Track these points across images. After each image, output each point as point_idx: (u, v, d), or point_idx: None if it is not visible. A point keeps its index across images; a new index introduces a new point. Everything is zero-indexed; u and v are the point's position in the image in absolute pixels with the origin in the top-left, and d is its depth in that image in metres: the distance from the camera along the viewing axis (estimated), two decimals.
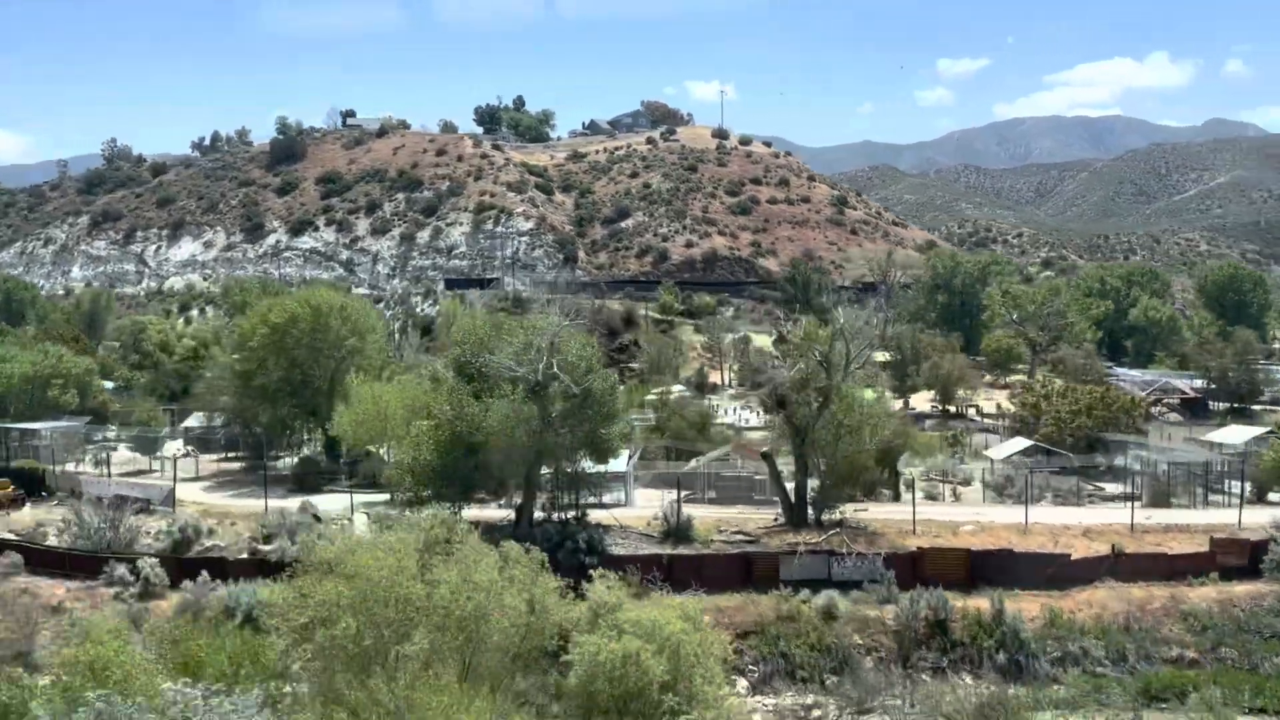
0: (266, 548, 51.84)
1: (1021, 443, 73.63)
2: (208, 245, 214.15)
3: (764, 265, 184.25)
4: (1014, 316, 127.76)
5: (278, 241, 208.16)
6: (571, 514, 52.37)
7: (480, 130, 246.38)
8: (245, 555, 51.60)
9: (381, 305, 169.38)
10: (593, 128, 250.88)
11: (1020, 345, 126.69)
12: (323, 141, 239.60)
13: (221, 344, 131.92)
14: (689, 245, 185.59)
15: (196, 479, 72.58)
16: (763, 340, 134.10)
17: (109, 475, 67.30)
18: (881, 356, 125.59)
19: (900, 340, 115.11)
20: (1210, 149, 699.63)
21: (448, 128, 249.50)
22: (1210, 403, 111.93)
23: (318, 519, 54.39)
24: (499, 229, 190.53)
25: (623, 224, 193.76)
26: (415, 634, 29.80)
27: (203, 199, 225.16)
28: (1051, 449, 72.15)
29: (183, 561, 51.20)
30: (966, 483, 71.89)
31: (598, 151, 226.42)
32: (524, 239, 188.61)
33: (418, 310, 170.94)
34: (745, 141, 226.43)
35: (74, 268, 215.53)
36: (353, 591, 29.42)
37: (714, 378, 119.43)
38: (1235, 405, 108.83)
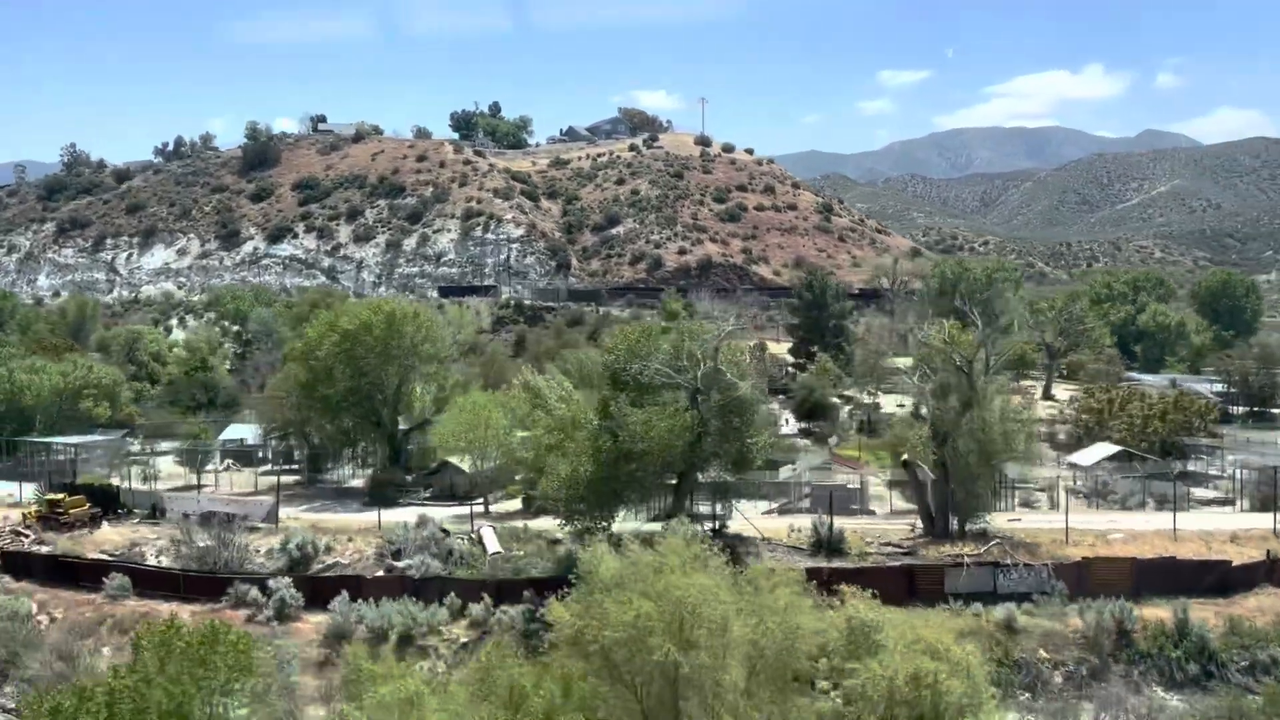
0: (401, 564, 49.14)
1: (1106, 448, 72.79)
2: (181, 253, 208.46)
3: (757, 272, 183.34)
4: (1034, 322, 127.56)
5: (255, 249, 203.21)
6: (711, 525, 50.50)
7: (457, 136, 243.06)
8: (381, 573, 48.85)
9: None
10: (571, 134, 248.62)
11: (1034, 351, 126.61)
12: (297, 147, 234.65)
13: (217, 354, 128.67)
14: (682, 252, 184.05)
15: (255, 494, 69.42)
16: (777, 348, 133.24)
17: (198, 491, 64.09)
18: (905, 361, 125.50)
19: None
20: (1150, 159, 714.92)
21: (421, 134, 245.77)
22: (1229, 407, 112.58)
23: (445, 533, 51.84)
24: (489, 236, 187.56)
25: (613, 231, 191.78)
26: (730, 661, 27.86)
27: (174, 205, 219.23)
28: (1137, 454, 71.47)
29: (314, 580, 48.40)
30: (1047, 489, 70.97)
31: (581, 158, 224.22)
32: (514, 246, 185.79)
33: None
34: (728, 149, 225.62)
35: (40, 276, 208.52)
36: (663, 613, 27.39)
37: None
38: (1256, 409, 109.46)
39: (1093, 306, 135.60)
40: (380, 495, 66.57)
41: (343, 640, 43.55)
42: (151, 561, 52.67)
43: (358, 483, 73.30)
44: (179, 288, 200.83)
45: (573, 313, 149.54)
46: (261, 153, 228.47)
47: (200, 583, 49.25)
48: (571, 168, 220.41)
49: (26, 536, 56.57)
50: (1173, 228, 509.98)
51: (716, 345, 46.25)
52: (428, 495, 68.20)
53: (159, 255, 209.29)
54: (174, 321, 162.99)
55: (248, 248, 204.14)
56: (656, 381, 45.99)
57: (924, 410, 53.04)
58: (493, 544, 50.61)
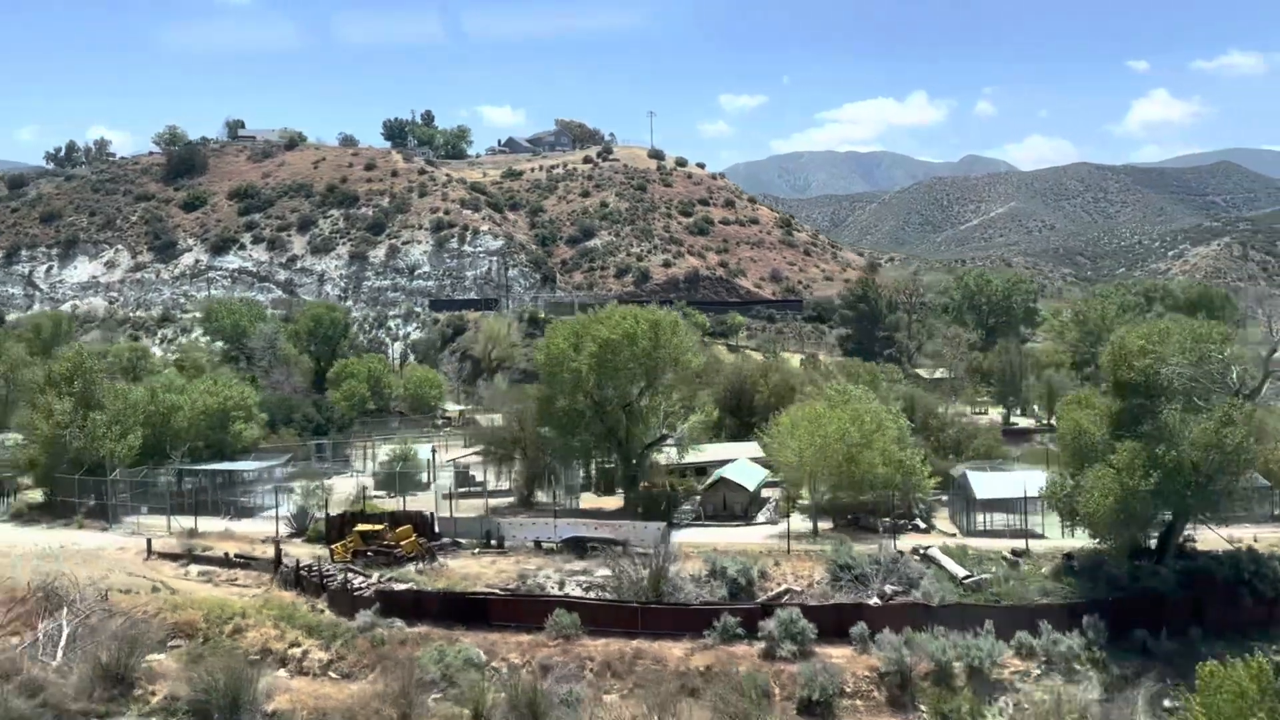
0: (889, 589, 44.27)
1: None
2: (110, 265, 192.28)
3: (741, 285, 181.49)
4: (1068, 333, 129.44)
5: (196, 261, 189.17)
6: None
7: (389, 145, 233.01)
8: (876, 600, 43.78)
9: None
10: (512, 145, 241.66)
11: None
12: (223, 154, 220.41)
13: (218, 369, 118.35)
14: (666, 265, 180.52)
15: (485, 515, 62.51)
16: (827, 359, 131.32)
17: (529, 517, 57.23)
18: (941, 373, 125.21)
19: (1007, 355, 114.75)
20: (985, 183, 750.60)
21: (348, 141, 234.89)
22: None
23: (928, 558, 47.14)
24: (466, 248, 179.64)
25: (589, 243, 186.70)
26: None
27: (95, 215, 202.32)
28: None
29: (822, 610, 43.01)
30: None
31: (533, 169, 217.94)
32: (494, 258, 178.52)
33: (403, 332, 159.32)
34: (681, 163, 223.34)
35: None
36: None
37: None
38: None
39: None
40: (653, 513, 61.06)
41: (907, 676, 38.74)
42: (577, 592, 46.21)
43: (581, 503, 66.97)
44: (110, 302, 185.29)
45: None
46: (187, 159, 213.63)
47: (687, 616, 43.23)
48: (526, 179, 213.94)
49: (363, 574, 49.09)
50: (1020, 246, 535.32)
51: (1275, 348, 43.24)
52: (696, 514, 62.93)
53: (84, 268, 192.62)
54: (158, 338, 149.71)
55: (187, 260, 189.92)
56: (1178, 385, 42.65)
57: None
58: (953, 566, 46.39)
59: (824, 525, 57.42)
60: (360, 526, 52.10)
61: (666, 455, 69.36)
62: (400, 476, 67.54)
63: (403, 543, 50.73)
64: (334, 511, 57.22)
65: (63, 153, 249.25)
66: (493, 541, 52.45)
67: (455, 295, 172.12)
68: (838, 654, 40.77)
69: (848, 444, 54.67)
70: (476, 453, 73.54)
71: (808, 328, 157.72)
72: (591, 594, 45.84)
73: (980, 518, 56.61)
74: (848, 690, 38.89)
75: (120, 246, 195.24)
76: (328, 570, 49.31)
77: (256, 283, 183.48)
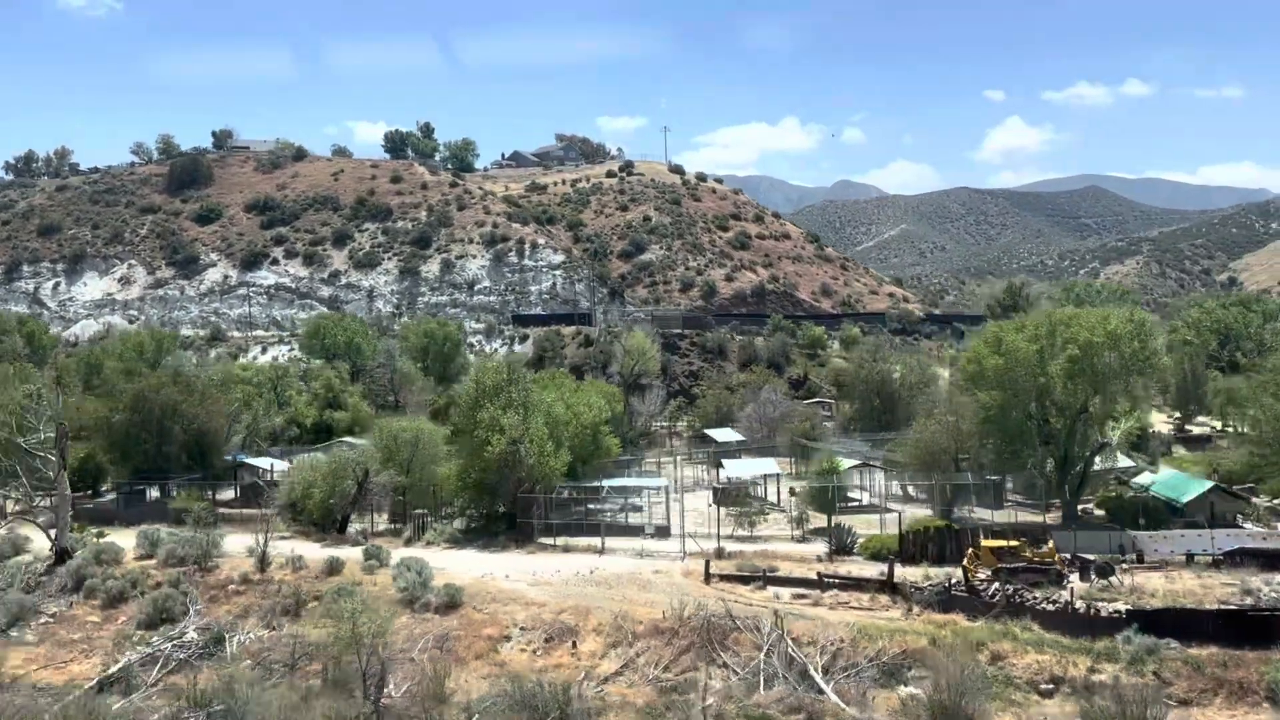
0: None
1: None
2: (124, 282, 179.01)
3: (803, 299, 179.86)
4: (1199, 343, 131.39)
5: (225, 276, 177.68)
6: None
7: (389, 156, 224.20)
8: None
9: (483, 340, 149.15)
10: (517, 159, 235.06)
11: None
12: (225, 164, 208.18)
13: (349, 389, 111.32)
14: (729, 279, 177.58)
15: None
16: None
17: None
18: None
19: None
20: (874, 206, 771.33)
21: (340, 153, 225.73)
22: None
23: None
24: (527, 262, 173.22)
25: (643, 257, 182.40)
26: None
27: (99, 228, 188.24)
28: None
29: None
30: None
31: (557, 183, 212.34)
32: (557, 273, 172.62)
33: (489, 348, 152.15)
34: (701, 178, 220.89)
35: None
36: None
37: None
38: None
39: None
40: (1121, 522, 58.36)
41: None
42: None
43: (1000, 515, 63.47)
44: (130, 321, 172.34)
45: (775, 342, 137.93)
46: (190, 170, 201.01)
47: None
48: (552, 193, 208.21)
49: (1028, 593, 44.87)
50: (921, 267, 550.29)
51: None
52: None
53: (95, 285, 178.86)
54: (250, 354, 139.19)
55: (214, 275, 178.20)
56: None
57: None
58: None
59: None
60: (986, 543, 47.81)
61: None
62: (834, 491, 62.72)
63: (1054, 559, 46.66)
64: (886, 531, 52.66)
65: (19, 162, 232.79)
66: (1128, 556, 48.67)
67: (520, 310, 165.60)
68: None
69: None
70: (859, 465, 69.48)
71: (896, 340, 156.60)
72: None
73: None
74: None
75: (133, 261, 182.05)
76: (991, 588, 44.96)
77: (297, 299, 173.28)
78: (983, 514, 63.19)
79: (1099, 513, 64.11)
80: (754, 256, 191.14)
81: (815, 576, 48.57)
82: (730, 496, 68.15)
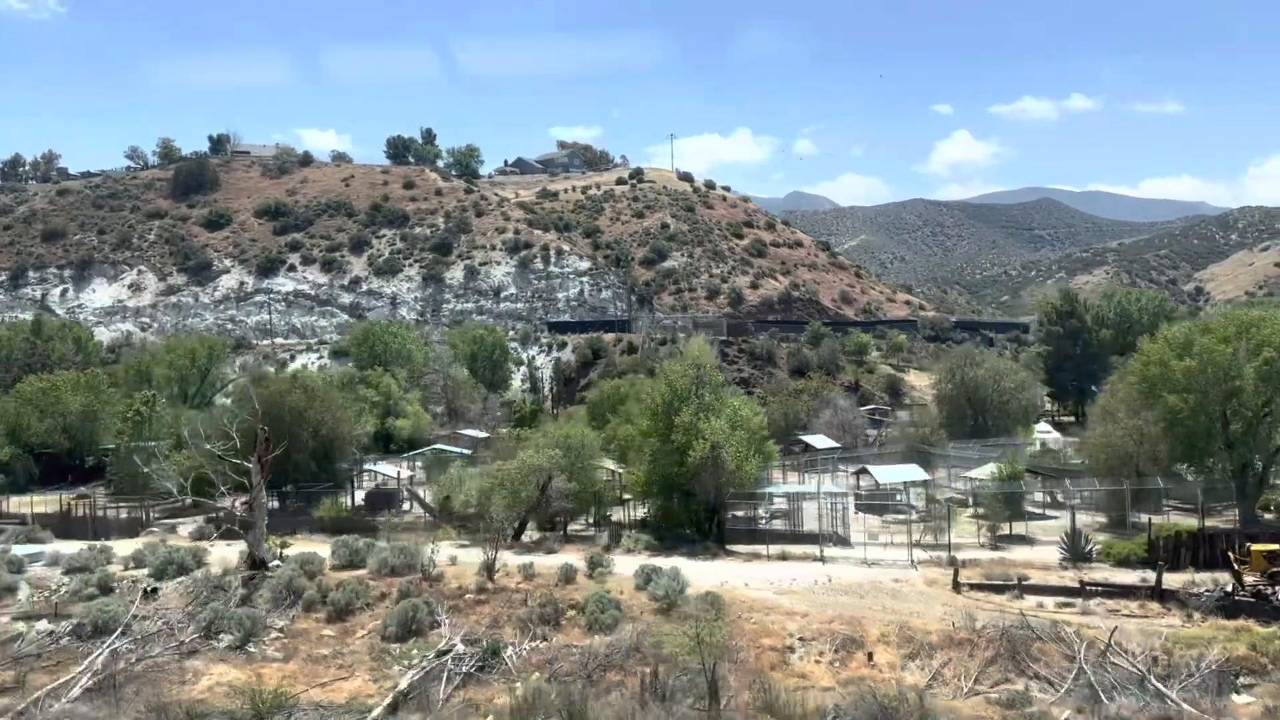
0: None
1: None
2: (135, 288, 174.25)
3: (827, 306, 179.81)
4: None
5: (241, 283, 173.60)
6: None
7: (390, 162, 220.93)
8: None
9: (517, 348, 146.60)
10: (521, 165, 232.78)
11: None
12: (230, 169, 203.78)
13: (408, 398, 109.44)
14: (754, 286, 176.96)
15: None
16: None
17: None
18: None
19: None
20: (832, 216, 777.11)
21: (340, 159, 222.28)
22: None
23: None
24: (553, 269, 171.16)
25: (665, 264, 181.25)
26: None
27: (105, 233, 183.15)
28: None
29: None
30: None
31: (567, 191, 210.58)
32: (584, 279, 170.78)
33: (526, 355, 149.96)
34: (710, 186, 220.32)
35: None
36: None
37: None
38: None
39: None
40: None
41: None
42: None
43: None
44: (143, 329, 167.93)
45: (825, 349, 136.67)
46: (196, 174, 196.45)
47: None
48: (565, 199, 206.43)
49: None
50: (885, 277, 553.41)
51: None
52: None
53: (104, 291, 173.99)
54: (298, 363, 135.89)
55: (228, 282, 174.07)
56: None
57: None
58: None
59: None
60: (1256, 547, 46.98)
61: None
62: (1013, 498, 61.78)
63: None
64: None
65: (5, 165, 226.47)
66: None
67: (548, 317, 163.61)
68: None
69: None
70: (1051, 471, 68.66)
71: (930, 347, 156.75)
72: None
73: None
74: None
75: (143, 267, 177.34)
76: (1275, 592, 44.20)
77: (317, 306, 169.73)
78: (1149, 518, 62.65)
79: (1267, 516, 63.87)
80: (771, 264, 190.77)
81: (1077, 584, 47.44)
82: (879, 503, 67.22)
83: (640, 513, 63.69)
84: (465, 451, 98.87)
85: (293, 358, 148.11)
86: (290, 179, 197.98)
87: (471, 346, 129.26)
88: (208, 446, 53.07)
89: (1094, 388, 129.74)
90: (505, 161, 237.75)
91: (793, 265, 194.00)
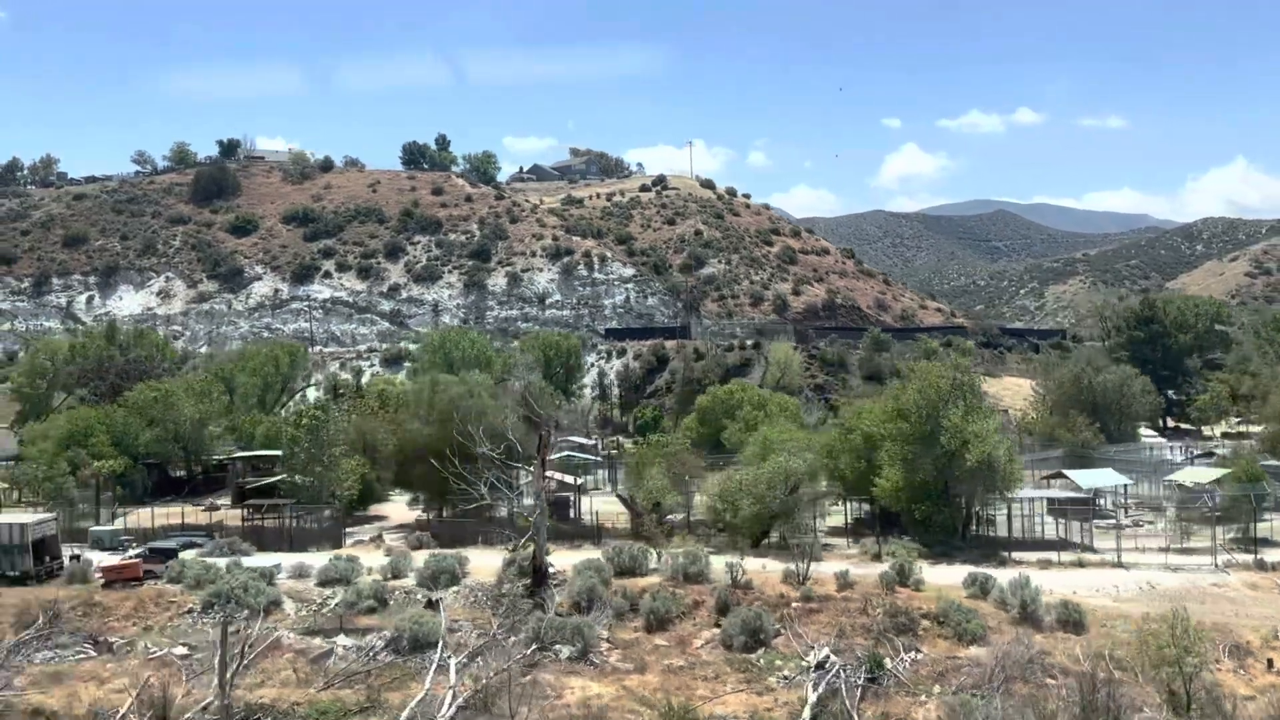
0: None
1: None
2: (164, 295, 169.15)
3: (867, 313, 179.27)
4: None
5: (275, 290, 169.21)
6: None
7: (403, 167, 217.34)
8: None
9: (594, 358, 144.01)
10: (537, 172, 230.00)
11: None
12: (250, 174, 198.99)
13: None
14: (796, 293, 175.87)
15: None
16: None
17: None
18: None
19: None
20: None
21: (352, 163, 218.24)
22: None
23: None
24: (598, 275, 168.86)
25: (704, 271, 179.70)
26: None
27: (129, 239, 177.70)
28: None
29: None
30: None
31: (591, 198, 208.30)
32: (629, 286, 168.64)
33: (585, 361, 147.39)
34: (732, 192, 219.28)
35: None
36: None
37: None
38: None
39: None
40: None
41: None
42: None
43: None
44: (175, 337, 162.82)
45: (894, 355, 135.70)
46: (217, 180, 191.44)
47: None
48: (590, 206, 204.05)
49: None
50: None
51: None
52: None
53: (131, 298, 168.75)
54: (364, 371, 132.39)
55: (261, 289, 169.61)
56: None
57: None
58: None
59: None
60: None
61: None
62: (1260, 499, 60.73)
63: None
64: None
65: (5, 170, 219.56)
66: None
67: (595, 325, 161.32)
68: None
69: None
70: None
71: (986, 353, 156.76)
72: None
73: None
74: None
75: (170, 274, 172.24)
76: None
77: (355, 313, 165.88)
78: None
79: None
80: (804, 270, 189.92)
81: None
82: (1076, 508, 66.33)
83: (834, 520, 63.37)
84: (596, 458, 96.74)
85: (342, 365, 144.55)
86: (313, 185, 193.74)
87: (543, 352, 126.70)
88: (485, 450, 50.21)
89: (1171, 392, 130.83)
90: (521, 168, 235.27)
91: (824, 272, 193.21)
